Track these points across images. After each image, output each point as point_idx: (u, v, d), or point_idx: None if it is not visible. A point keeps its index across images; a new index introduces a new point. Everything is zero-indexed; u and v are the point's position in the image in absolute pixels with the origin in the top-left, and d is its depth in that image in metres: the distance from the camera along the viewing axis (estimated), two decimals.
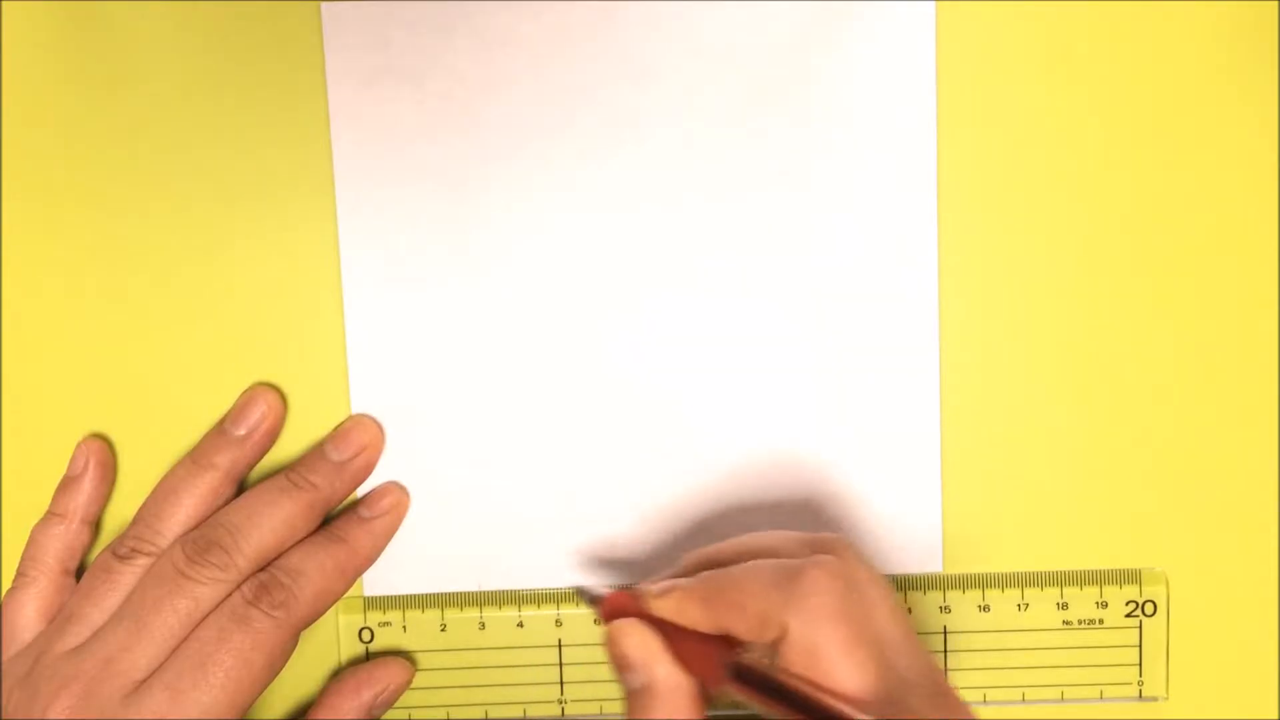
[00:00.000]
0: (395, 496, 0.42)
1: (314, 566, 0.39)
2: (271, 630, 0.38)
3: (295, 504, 0.40)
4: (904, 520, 0.42)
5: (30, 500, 0.42)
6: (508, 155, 0.41)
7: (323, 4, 0.41)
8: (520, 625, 0.42)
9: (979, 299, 0.41)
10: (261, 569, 0.39)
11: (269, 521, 0.39)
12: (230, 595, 0.38)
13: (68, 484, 0.41)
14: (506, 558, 0.42)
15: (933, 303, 0.41)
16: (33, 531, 0.41)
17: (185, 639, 0.37)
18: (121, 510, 0.42)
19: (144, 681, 0.37)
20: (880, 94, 0.41)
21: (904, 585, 0.42)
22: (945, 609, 0.42)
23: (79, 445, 0.41)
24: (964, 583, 0.42)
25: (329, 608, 0.40)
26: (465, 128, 0.41)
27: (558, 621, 0.42)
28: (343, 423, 0.42)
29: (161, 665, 0.37)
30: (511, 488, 0.42)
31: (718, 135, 0.41)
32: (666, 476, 0.42)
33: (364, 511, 0.41)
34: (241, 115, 0.41)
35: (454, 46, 0.41)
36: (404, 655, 0.42)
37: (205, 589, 0.38)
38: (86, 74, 0.41)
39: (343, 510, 0.42)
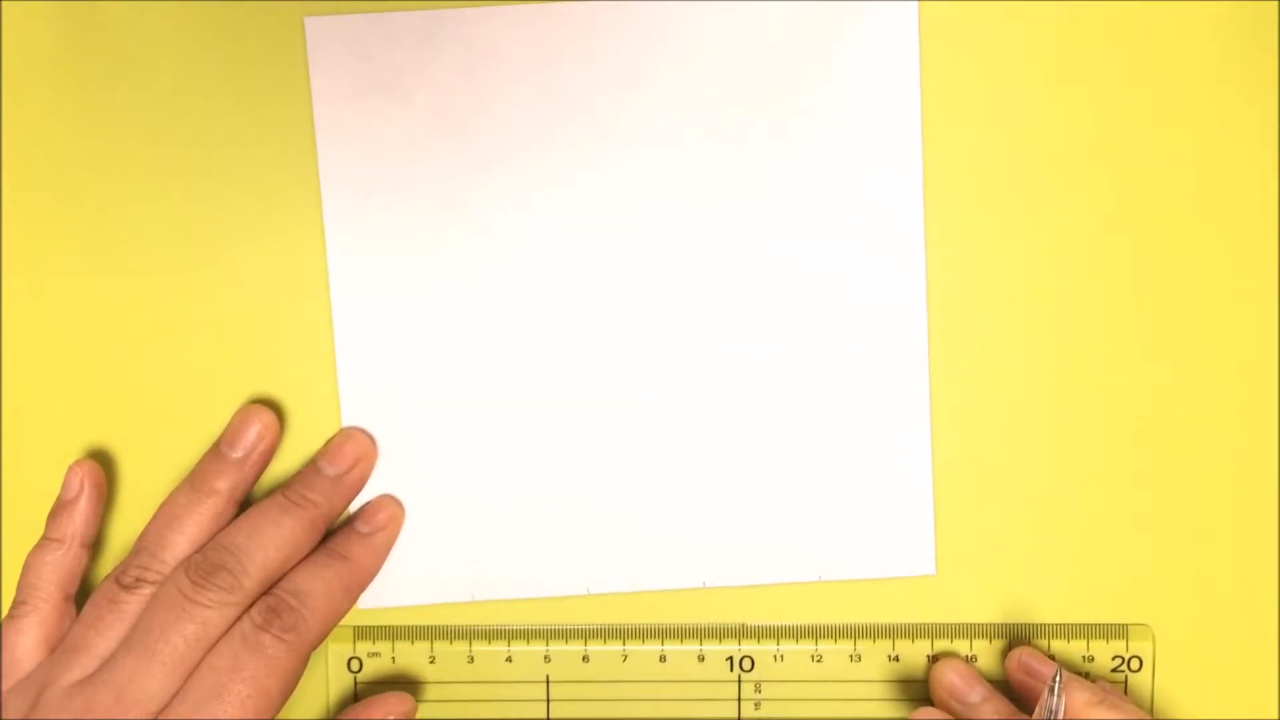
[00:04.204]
0: (390, 510, 0.41)
1: (320, 586, 0.39)
2: (285, 655, 0.37)
3: (296, 522, 0.39)
4: (895, 569, 0.42)
5: (21, 510, 0.41)
6: (495, 165, 0.41)
7: (306, 19, 0.40)
8: (509, 660, 0.42)
9: (968, 320, 0.41)
10: (267, 590, 0.38)
11: (272, 541, 0.38)
12: (239, 620, 0.37)
13: (62, 508, 0.40)
14: (498, 571, 0.42)
15: (922, 331, 0.41)
16: (29, 558, 0.40)
17: (198, 667, 0.37)
18: (114, 528, 0.41)
19: (160, 714, 0.36)
20: (866, 96, 0.41)
21: (893, 633, 0.42)
22: (933, 658, 0.42)
23: (71, 468, 0.40)
24: (951, 632, 0.42)
25: (336, 626, 0.39)
26: (452, 138, 0.41)
27: (546, 658, 0.42)
28: (334, 437, 0.41)
29: (177, 696, 0.36)
30: (502, 500, 0.42)
31: (705, 143, 0.41)
32: (659, 487, 0.42)
33: (362, 527, 0.41)
34: (238, 120, 0.41)
35: (439, 57, 0.40)
36: (404, 689, 0.41)
37: (213, 613, 0.37)
38: (86, 75, 0.41)
39: (339, 527, 0.41)
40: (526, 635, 0.42)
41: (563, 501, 0.42)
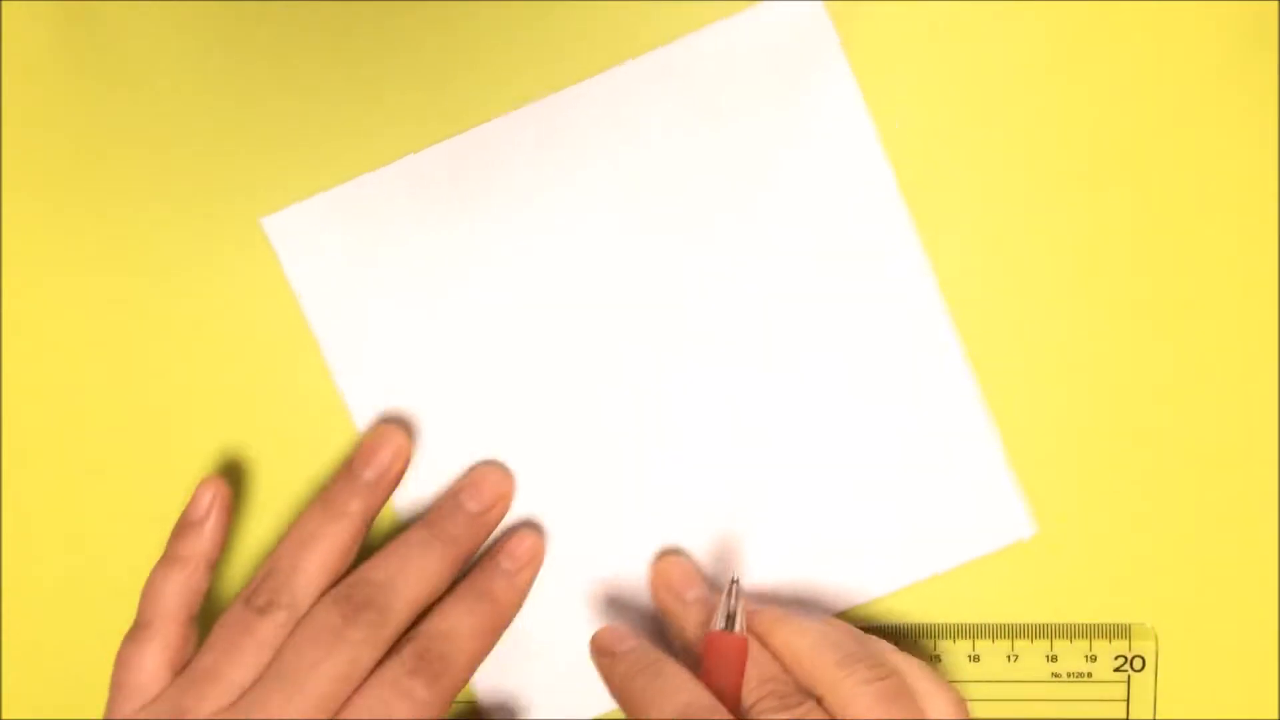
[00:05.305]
0: (533, 542, 0.40)
1: (466, 630, 0.38)
2: (434, 703, 0.37)
3: (440, 558, 0.38)
4: (992, 541, 0.42)
5: (21, 513, 0.41)
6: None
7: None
8: None
9: (966, 323, 0.41)
10: (409, 625, 0.38)
11: (417, 577, 0.38)
12: (389, 662, 0.37)
13: (190, 527, 0.39)
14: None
15: (949, 336, 0.41)
16: (152, 577, 0.39)
17: (346, 706, 0.36)
18: (87, 520, 0.41)
19: None
20: (809, 104, 0.40)
21: (896, 635, 0.41)
22: (936, 658, 0.42)
23: (202, 486, 0.39)
24: (955, 632, 0.42)
25: (477, 668, 0.39)
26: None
27: None
28: (476, 471, 0.41)
29: None
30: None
31: (685, 160, 0.41)
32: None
33: (506, 563, 0.40)
34: (243, 114, 0.41)
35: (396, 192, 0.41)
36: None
37: (362, 650, 0.36)
38: (86, 75, 0.41)
39: (481, 560, 0.40)
40: None
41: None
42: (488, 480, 0.40)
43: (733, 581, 0.38)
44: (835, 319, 0.41)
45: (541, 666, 0.42)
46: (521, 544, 0.40)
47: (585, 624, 0.42)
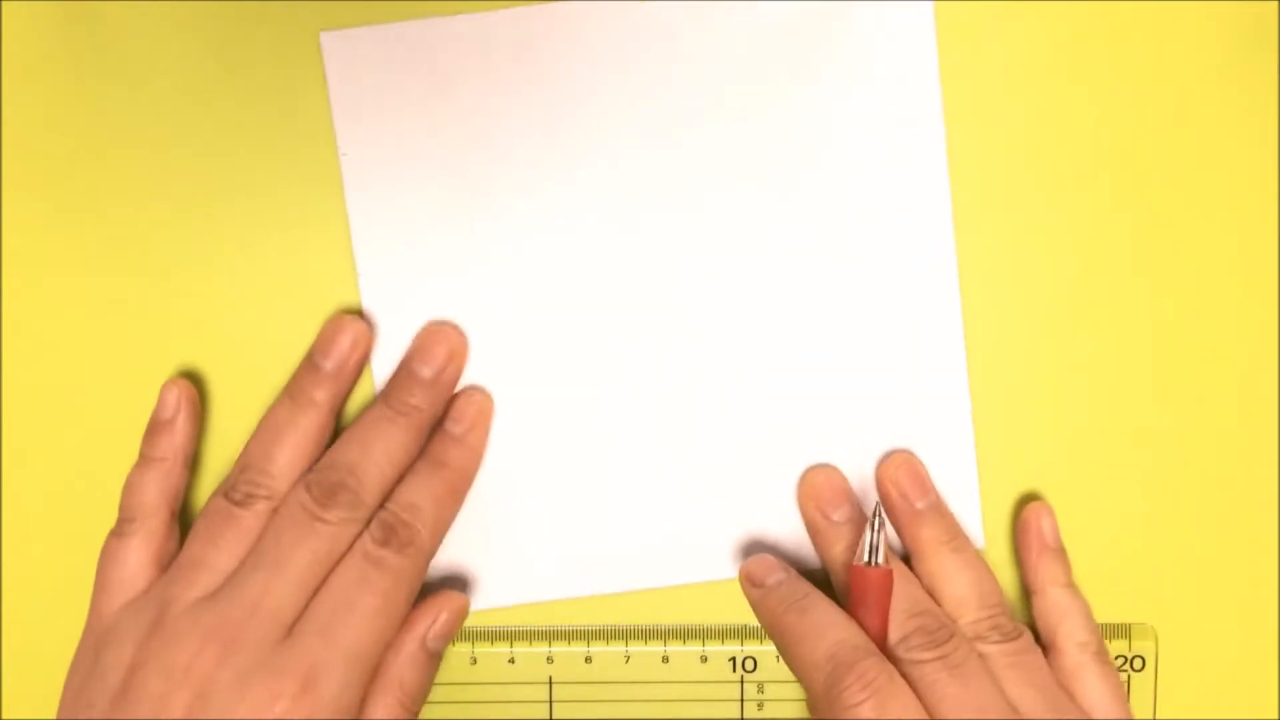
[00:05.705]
0: (479, 403, 0.41)
1: (428, 498, 0.39)
2: (407, 567, 0.38)
3: (403, 431, 0.39)
4: None
5: (23, 516, 0.41)
6: (516, 153, 0.41)
7: (322, 35, 0.40)
8: (511, 661, 0.42)
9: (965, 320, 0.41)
10: (383, 501, 0.39)
11: (384, 453, 0.39)
12: (361, 537, 0.38)
13: (161, 426, 0.40)
14: (507, 557, 0.42)
15: (956, 329, 0.41)
16: (130, 477, 0.40)
17: (326, 582, 0.37)
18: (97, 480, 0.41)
19: (294, 627, 0.37)
20: (884, 95, 0.40)
21: None
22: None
23: (166, 386, 0.40)
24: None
25: (448, 529, 0.40)
26: (473, 124, 0.41)
27: (549, 659, 0.42)
28: (422, 335, 0.41)
29: (308, 610, 0.37)
30: (517, 489, 0.42)
31: (726, 133, 0.41)
32: (678, 481, 0.42)
33: (454, 428, 0.41)
34: (243, 114, 0.41)
35: (456, 62, 0.40)
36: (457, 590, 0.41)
37: (338, 529, 0.38)
38: (86, 74, 0.41)
39: (435, 428, 0.41)
40: (529, 636, 0.42)
41: (580, 495, 0.42)
42: (436, 341, 0.41)
43: (876, 509, 0.39)
44: (855, 312, 0.41)
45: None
46: (468, 404, 0.41)
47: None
